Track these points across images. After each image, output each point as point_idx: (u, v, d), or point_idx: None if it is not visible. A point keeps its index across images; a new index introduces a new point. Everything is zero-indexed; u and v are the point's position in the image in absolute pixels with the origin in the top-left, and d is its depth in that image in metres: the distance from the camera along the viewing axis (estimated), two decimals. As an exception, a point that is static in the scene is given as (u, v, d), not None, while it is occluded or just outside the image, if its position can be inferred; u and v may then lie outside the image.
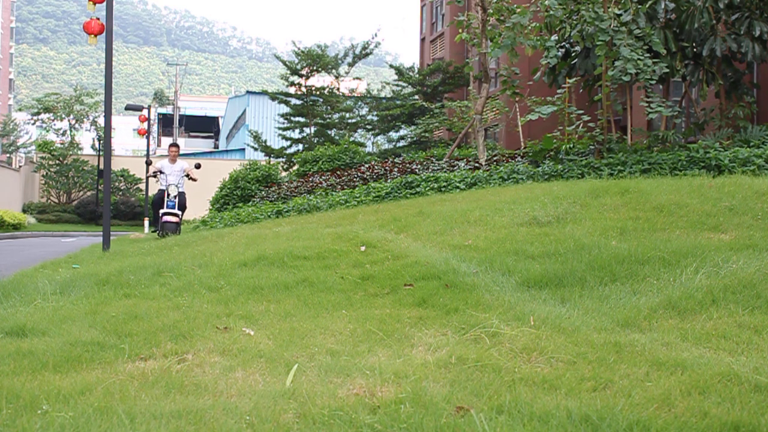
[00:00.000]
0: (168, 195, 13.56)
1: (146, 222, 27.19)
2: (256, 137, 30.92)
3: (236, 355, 3.58)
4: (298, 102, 31.58)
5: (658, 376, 3.05)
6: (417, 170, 14.67)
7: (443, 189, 11.89)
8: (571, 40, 13.42)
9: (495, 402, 2.76)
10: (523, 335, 3.70)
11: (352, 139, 28.94)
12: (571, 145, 12.74)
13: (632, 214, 6.60)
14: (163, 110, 67.37)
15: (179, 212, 13.49)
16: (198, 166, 14.64)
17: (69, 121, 44.81)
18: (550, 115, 12.34)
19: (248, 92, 54.78)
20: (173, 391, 3.03)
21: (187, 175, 13.99)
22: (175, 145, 14.46)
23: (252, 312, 4.53)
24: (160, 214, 13.49)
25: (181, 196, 13.73)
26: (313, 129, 31.26)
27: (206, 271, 5.88)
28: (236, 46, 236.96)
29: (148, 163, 14.40)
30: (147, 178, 30.64)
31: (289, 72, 31.45)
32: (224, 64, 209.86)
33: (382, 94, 33.34)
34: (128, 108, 30.76)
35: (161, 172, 13.78)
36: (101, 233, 11.04)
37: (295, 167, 24.12)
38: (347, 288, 5.13)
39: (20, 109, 69.47)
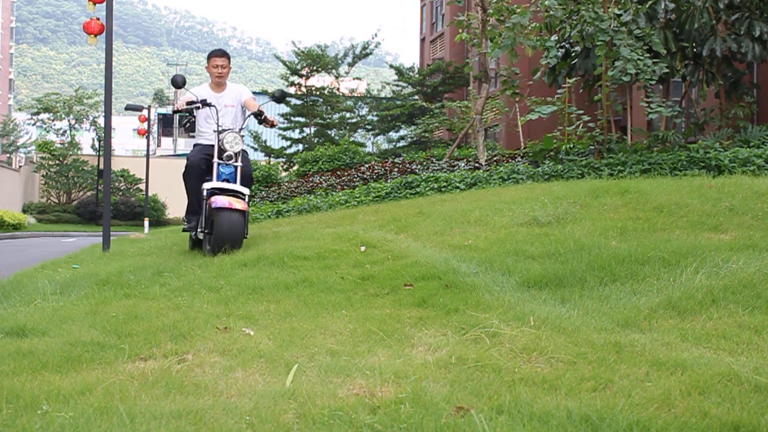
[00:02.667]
0: (222, 152, 6.80)
1: (146, 222, 27.12)
2: (256, 137, 30.93)
3: (236, 355, 3.58)
4: (298, 102, 31.63)
5: (658, 376, 3.05)
6: (417, 170, 14.68)
7: (443, 189, 11.89)
8: (571, 40, 13.42)
9: (495, 402, 2.76)
10: (523, 335, 3.70)
11: (352, 139, 28.98)
12: (571, 145, 12.74)
13: (632, 214, 6.60)
14: (163, 110, 67.31)
15: (245, 192, 6.79)
16: (280, 98, 7.64)
17: (69, 121, 44.88)
18: (550, 115, 12.35)
19: (248, 92, 54.64)
20: (173, 391, 3.03)
21: (259, 117, 7.03)
22: (223, 54, 7.34)
23: (252, 312, 4.53)
24: (205, 193, 6.78)
25: (245, 158, 7.02)
26: (313, 129, 31.29)
27: (206, 271, 5.88)
28: (236, 46, 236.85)
29: (178, 84, 6.87)
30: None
31: (289, 72, 31.52)
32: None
33: (382, 94, 33.42)
34: (128, 108, 30.77)
35: (206, 105, 6.93)
36: (101, 233, 10.81)
37: (295, 167, 24.15)
38: (347, 288, 5.13)
39: (20, 109, 69.46)
